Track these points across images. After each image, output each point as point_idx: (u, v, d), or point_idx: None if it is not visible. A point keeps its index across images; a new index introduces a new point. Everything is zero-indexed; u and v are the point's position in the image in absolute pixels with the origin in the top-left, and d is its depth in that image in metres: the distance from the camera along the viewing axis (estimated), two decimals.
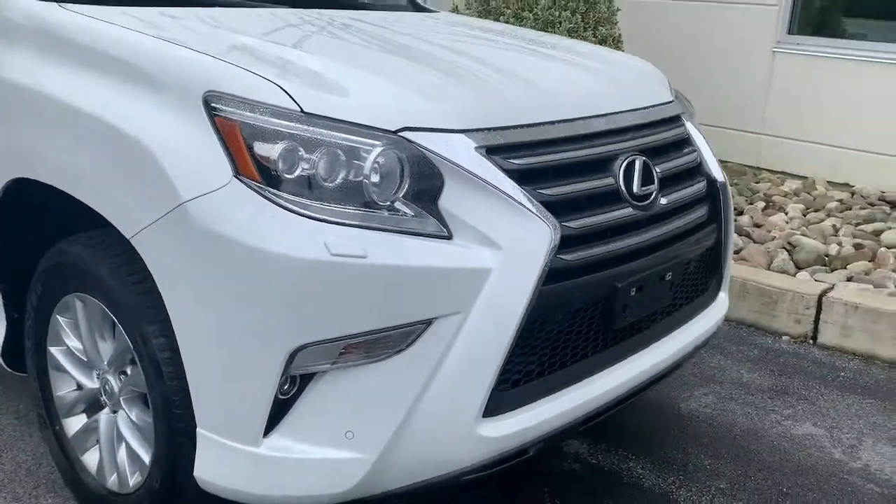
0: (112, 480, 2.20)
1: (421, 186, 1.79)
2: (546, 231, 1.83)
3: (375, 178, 1.76)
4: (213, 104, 1.79)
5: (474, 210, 1.81)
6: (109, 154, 1.89)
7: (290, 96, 1.77)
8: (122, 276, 1.98)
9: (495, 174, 1.83)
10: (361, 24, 2.64)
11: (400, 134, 1.79)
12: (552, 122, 2.04)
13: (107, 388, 2.19)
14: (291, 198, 1.72)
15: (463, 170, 1.81)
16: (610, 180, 2.06)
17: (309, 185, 1.74)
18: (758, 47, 6.16)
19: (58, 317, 2.25)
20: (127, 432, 2.15)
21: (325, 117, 1.77)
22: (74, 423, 2.33)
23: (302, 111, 1.76)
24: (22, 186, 2.18)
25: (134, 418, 2.12)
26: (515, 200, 1.82)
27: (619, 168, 2.08)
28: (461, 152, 1.83)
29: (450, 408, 1.80)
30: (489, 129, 1.91)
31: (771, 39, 6.24)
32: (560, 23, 5.32)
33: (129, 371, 2.13)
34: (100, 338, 2.15)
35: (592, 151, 2.07)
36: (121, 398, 2.15)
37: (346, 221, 1.72)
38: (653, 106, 2.39)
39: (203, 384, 1.82)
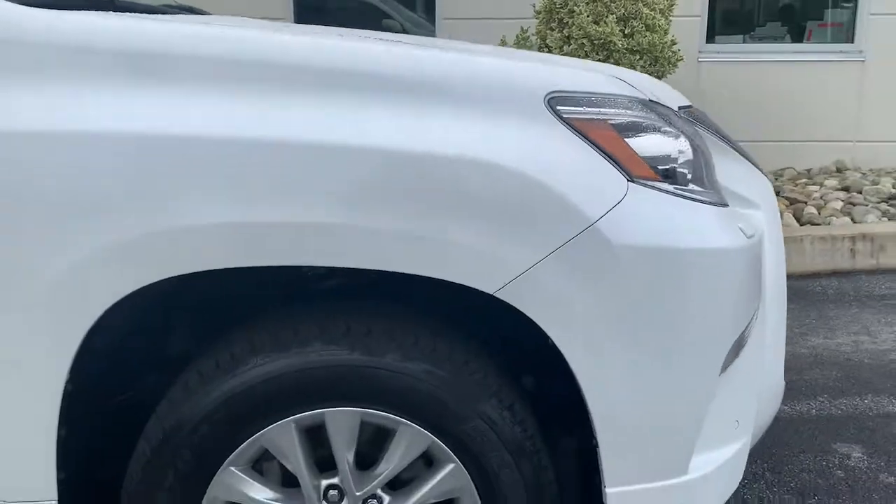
0: None
1: (707, 160, 1.78)
2: (768, 182, 1.98)
3: (695, 157, 1.70)
4: (558, 107, 1.50)
5: (728, 174, 1.87)
6: (459, 197, 1.41)
7: (634, 87, 1.59)
8: (421, 356, 1.50)
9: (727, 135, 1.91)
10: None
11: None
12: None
13: None
14: (686, 188, 1.57)
15: (716, 136, 1.85)
16: None
17: (676, 174, 1.60)
18: None
19: (231, 469, 1.53)
20: None
21: (663, 105, 1.64)
22: None
23: (650, 100, 1.60)
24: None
25: None
26: (746, 157, 1.93)
27: None
28: (700, 123, 1.86)
29: (773, 362, 1.86)
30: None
31: None
32: None
33: (381, 494, 1.60)
34: (346, 452, 1.54)
35: None
36: None
37: (715, 201, 1.64)
38: None
39: (621, 431, 1.53)
